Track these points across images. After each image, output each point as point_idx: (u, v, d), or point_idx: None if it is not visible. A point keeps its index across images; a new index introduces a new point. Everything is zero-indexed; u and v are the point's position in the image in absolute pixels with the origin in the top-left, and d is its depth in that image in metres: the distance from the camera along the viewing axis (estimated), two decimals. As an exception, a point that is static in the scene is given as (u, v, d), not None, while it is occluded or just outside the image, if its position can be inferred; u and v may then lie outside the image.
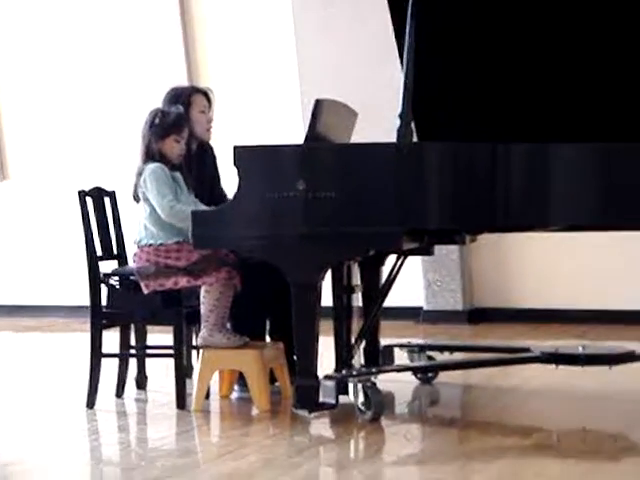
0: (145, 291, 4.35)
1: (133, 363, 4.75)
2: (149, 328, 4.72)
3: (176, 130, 4.40)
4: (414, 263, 6.47)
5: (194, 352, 4.67)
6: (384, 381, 4.43)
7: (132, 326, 4.65)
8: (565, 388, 4.72)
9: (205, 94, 4.81)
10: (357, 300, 4.57)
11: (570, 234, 5.88)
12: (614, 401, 4.46)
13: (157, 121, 4.38)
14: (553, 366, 4.59)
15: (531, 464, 3.38)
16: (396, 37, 4.39)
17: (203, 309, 4.35)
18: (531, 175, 4.01)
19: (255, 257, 4.19)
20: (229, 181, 4.57)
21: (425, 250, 4.69)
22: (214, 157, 4.90)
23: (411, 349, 4.97)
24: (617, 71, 4.41)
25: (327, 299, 4.25)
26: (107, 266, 4.56)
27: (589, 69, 4.43)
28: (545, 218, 4.10)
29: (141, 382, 4.81)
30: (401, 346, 4.98)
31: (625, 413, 4.21)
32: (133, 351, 4.70)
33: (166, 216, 4.30)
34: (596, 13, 4.33)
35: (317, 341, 4.08)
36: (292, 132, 6.58)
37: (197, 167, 4.72)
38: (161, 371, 4.73)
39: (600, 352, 4.61)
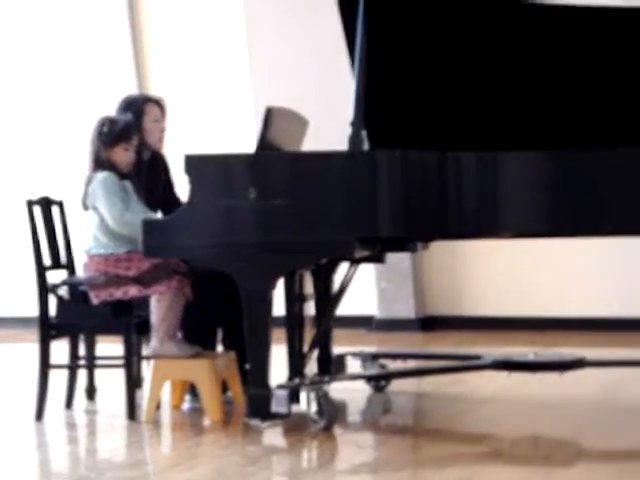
0: (94, 301, 4.30)
1: (82, 374, 4.70)
2: (99, 338, 4.68)
3: (125, 138, 4.37)
4: (366, 271, 6.48)
5: (145, 362, 4.63)
6: (337, 390, 4.42)
7: (81, 336, 4.59)
8: (517, 395, 4.75)
9: (158, 103, 4.78)
10: (309, 309, 4.56)
11: (521, 241, 5.93)
12: (565, 407, 4.50)
13: (105, 129, 4.35)
14: (505, 373, 4.62)
15: (483, 471, 3.39)
16: (347, 45, 4.39)
17: (154, 319, 4.32)
18: (481, 183, 4.03)
19: (206, 266, 4.17)
20: (181, 190, 4.54)
21: (377, 258, 4.70)
22: (166, 166, 4.87)
23: (363, 357, 4.98)
24: (566, 79, 4.46)
25: (279, 308, 4.24)
26: (56, 276, 4.51)
27: (537, 77, 4.47)
28: (496, 226, 4.13)
29: (91, 393, 4.76)
30: (354, 354, 4.99)
31: (576, 419, 4.24)
32: (82, 362, 4.64)
33: (116, 225, 4.27)
34: (546, 21, 4.38)
35: (269, 350, 4.06)
36: (244, 140, 6.56)
37: (148, 176, 4.69)
38: (111, 382, 4.69)
39: (551, 359, 4.65)
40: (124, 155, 4.37)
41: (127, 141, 4.38)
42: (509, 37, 4.43)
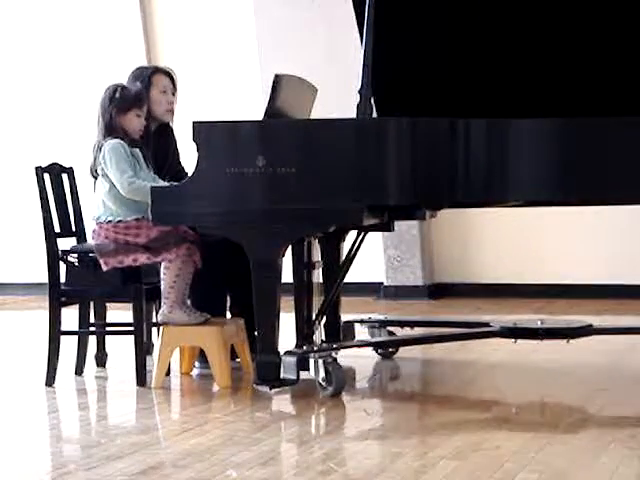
0: (104, 268, 4.32)
1: (93, 340, 4.73)
2: (109, 305, 4.70)
3: (138, 104, 4.38)
4: (374, 239, 6.49)
5: (154, 329, 4.66)
6: (345, 356, 4.45)
7: (91, 303, 4.62)
8: (524, 362, 4.77)
9: (167, 74, 4.77)
10: (318, 276, 4.58)
11: (529, 209, 5.93)
12: (572, 374, 4.51)
13: (118, 95, 4.35)
14: (512, 340, 4.64)
15: (490, 437, 3.41)
16: (356, 13, 4.38)
17: (163, 286, 4.34)
18: (490, 150, 4.03)
19: (215, 233, 4.18)
20: (190, 159, 4.54)
21: (385, 226, 4.70)
22: (174, 138, 4.87)
23: (372, 324, 5.00)
24: (576, 47, 4.44)
25: (288, 275, 4.25)
26: (66, 243, 4.53)
27: (547, 44, 4.45)
28: (504, 193, 4.13)
29: (101, 359, 4.79)
30: (362, 322, 5.00)
31: (582, 386, 4.26)
32: (93, 328, 4.67)
33: (126, 192, 4.28)
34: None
35: (278, 317, 4.09)
36: (251, 110, 6.54)
37: (155, 147, 4.68)
38: (121, 348, 4.72)
39: (558, 326, 4.67)
40: (136, 121, 4.38)
41: (139, 107, 4.38)
42: (519, 3, 4.41)
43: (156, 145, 4.67)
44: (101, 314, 4.70)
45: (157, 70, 4.80)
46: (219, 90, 7.48)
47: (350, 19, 4.41)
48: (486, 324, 4.77)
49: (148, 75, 4.69)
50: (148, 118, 4.52)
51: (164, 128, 4.79)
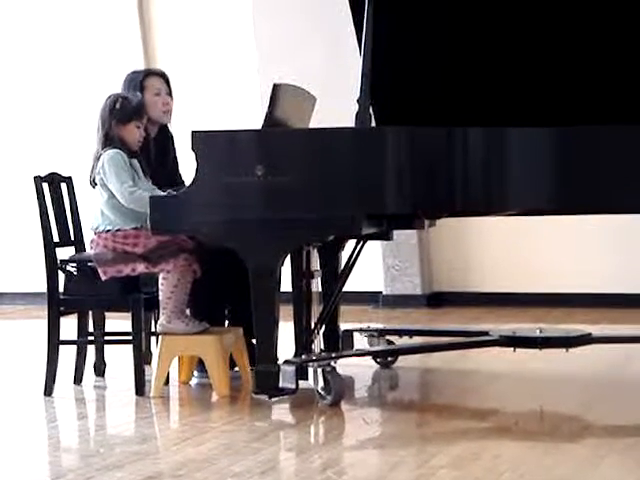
0: (103, 277, 4.32)
1: (91, 350, 4.72)
2: (107, 314, 4.70)
3: (138, 116, 4.38)
4: (373, 248, 6.49)
5: (153, 338, 4.65)
6: (344, 365, 4.44)
7: (90, 313, 4.62)
8: (523, 371, 4.77)
9: (159, 76, 4.76)
10: (316, 285, 4.57)
11: (527, 218, 5.93)
12: (571, 383, 4.51)
13: (119, 106, 4.35)
14: (511, 349, 4.63)
15: (490, 446, 3.41)
16: (354, 23, 4.38)
17: (161, 296, 4.33)
18: (489, 159, 4.03)
19: (214, 242, 4.18)
20: (188, 167, 4.55)
21: (384, 235, 4.71)
22: (173, 146, 4.86)
23: (370, 333, 4.99)
24: (573, 56, 4.45)
25: (287, 284, 4.25)
26: (64, 252, 4.53)
27: (545, 53, 4.46)
28: (503, 202, 4.13)
29: (100, 369, 4.78)
30: (361, 330, 5.00)
31: (581, 394, 4.26)
32: (91, 338, 4.67)
33: (127, 202, 4.28)
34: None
35: (277, 326, 4.08)
36: (249, 119, 6.55)
37: (158, 152, 4.69)
38: (120, 358, 4.71)
39: (557, 335, 4.66)
40: (136, 132, 4.38)
41: (139, 119, 4.39)
42: (517, 13, 4.42)
43: (157, 148, 4.67)
44: (100, 323, 4.69)
45: (149, 73, 4.80)
46: (217, 97, 7.49)
47: (349, 26, 4.41)
48: (485, 333, 4.77)
49: (140, 79, 4.69)
50: (147, 122, 4.52)
51: (162, 131, 4.78)
